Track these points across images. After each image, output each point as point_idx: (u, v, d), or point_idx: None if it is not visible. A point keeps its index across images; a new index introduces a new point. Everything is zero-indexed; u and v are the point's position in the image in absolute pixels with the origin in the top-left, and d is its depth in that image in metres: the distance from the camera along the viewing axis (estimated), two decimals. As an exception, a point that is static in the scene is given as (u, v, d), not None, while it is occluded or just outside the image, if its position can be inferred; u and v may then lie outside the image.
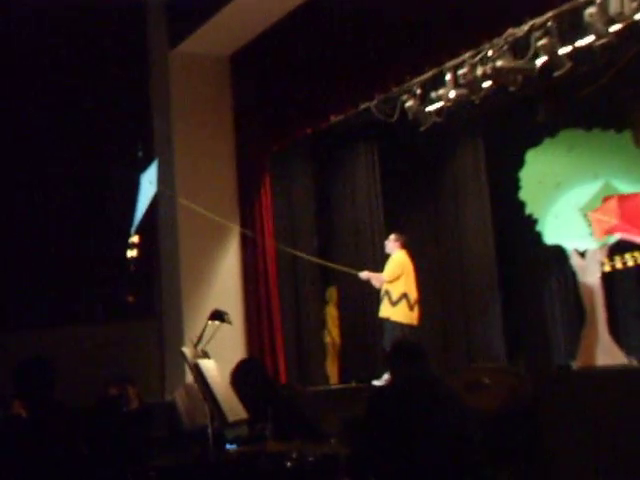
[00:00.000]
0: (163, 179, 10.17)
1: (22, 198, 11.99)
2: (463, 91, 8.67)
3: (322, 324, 11.69)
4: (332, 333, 11.91)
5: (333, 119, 10.37)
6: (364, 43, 9.60)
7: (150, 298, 11.70)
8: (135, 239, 9.77)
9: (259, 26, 10.94)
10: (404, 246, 9.89)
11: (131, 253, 9.87)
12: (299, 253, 10.71)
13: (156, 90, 11.64)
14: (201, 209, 9.69)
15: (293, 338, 11.28)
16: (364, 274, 10.03)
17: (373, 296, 10.52)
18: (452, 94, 8.78)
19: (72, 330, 11.70)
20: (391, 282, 9.69)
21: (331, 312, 11.90)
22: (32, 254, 12.06)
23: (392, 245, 9.93)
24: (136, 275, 11.99)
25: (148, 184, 8.66)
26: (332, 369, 11.76)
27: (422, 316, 9.85)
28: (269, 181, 11.44)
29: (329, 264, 10.57)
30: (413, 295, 9.70)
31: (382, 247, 10.72)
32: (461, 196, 11.18)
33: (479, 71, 8.31)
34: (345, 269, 10.22)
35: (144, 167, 9.14)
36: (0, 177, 11.89)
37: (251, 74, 11.51)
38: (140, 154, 11.00)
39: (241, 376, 5.17)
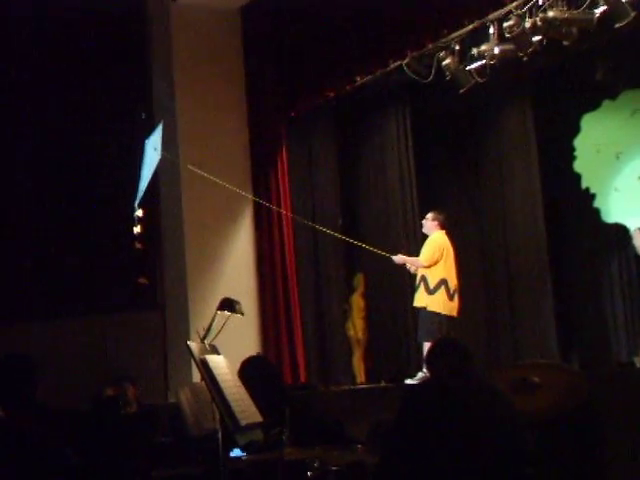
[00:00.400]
0: (165, 147, 10.18)
1: (16, 169, 12.11)
2: (509, 46, 8.62)
3: (346, 315, 11.70)
4: (357, 326, 11.92)
5: (359, 80, 10.34)
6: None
7: (151, 286, 11.74)
8: (139, 213, 9.77)
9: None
10: (443, 226, 9.85)
11: (136, 229, 9.86)
12: (323, 229, 10.69)
13: (156, 48, 11.63)
14: (209, 176, 9.68)
15: (314, 331, 11.31)
16: (399, 257, 10.00)
17: (406, 283, 10.50)
18: (496, 50, 8.75)
19: (63, 323, 11.77)
20: (428, 267, 9.66)
21: (357, 302, 11.90)
22: (15, 234, 12.15)
23: (430, 225, 9.89)
24: (136, 259, 12.03)
25: (152, 151, 8.66)
26: (358, 366, 11.78)
27: (463, 306, 9.82)
28: (286, 151, 11.45)
29: (358, 244, 10.53)
30: (453, 282, 9.66)
31: (416, 227, 10.70)
32: (506, 168, 11.11)
33: (528, 23, 8.27)
34: (377, 251, 10.18)
35: (148, 131, 9.15)
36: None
37: (265, 29, 11.50)
38: (143, 116, 10.97)
39: (245, 377, 5.16)
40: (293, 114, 11.36)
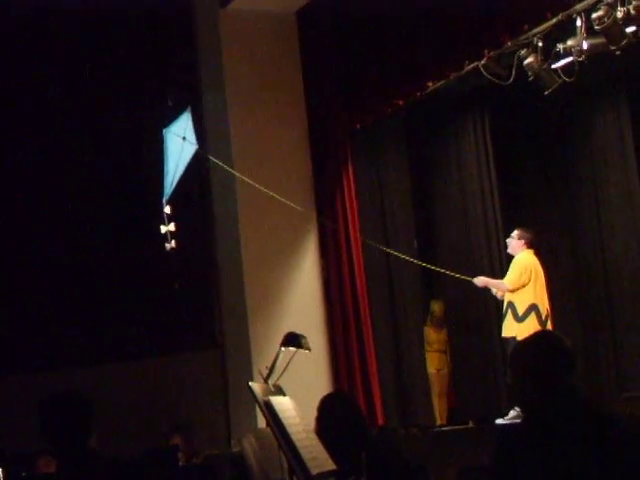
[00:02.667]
0: (219, 168, 10.27)
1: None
2: (599, 40, 8.52)
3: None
4: (435, 361, 11.86)
5: (431, 86, 10.31)
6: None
7: (208, 322, 11.79)
8: (167, 210, 9.73)
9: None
10: (531, 245, 9.76)
11: (166, 228, 9.79)
12: (397, 253, 10.65)
13: (206, 58, 11.72)
14: (271, 193, 9.73)
15: (390, 367, 11.25)
16: (480, 280, 9.94)
17: (492, 311, 10.39)
18: (585, 45, 8.65)
19: (112, 367, 11.86)
20: (516, 291, 9.57)
21: (429, 333, 11.87)
22: (68, 273, 12.31)
23: (515, 244, 9.81)
24: (191, 293, 12.08)
25: (180, 140, 8.69)
26: (439, 406, 11.70)
27: (556, 334, 9.68)
28: (352, 167, 11.45)
29: (436, 269, 10.47)
30: (544, 307, 9.56)
31: (500, 248, 10.61)
32: (601, 178, 11.01)
33: (620, 13, 8.16)
34: (456, 275, 10.12)
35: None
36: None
37: (324, 34, 11.55)
38: (169, 102, 10.91)
39: (325, 416, 5.11)
40: (358, 126, 11.36)
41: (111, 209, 12.26)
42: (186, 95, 11.27)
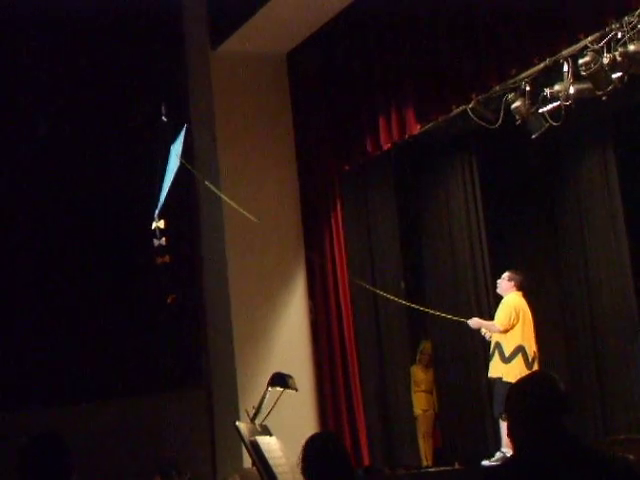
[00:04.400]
0: (208, 205, 10.29)
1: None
2: (586, 85, 8.58)
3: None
4: (422, 401, 11.82)
5: (419, 129, 10.33)
6: (454, 31, 9.57)
7: (195, 360, 11.74)
8: (161, 224, 9.74)
9: (323, 16, 10.99)
10: (521, 287, 9.80)
11: (158, 242, 9.77)
12: (385, 294, 10.65)
13: (197, 100, 11.76)
14: (258, 221, 9.77)
15: (377, 407, 11.20)
16: (474, 322, 9.98)
17: (478, 352, 10.39)
18: (572, 90, 8.71)
19: (97, 406, 11.78)
20: (505, 331, 9.59)
21: (416, 373, 11.83)
22: (50, 307, 12.24)
23: (505, 285, 9.85)
24: (177, 331, 12.03)
25: (175, 157, 8.80)
26: (425, 446, 11.64)
27: (543, 375, 9.66)
28: (341, 208, 11.45)
29: (426, 310, 10.49)
30: (532, 348, 9.57)
31: (487, 289, 10.63)
32: (588, 222, 11.01)
33: (606, 59, 8.22)
34: (449, 316, 10.15)
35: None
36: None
37: (314, 75, 11.57)
38: (164, 118, 10.92)
39: (311, 455, 5.07)
40: (347, 167, 11.37)
41: (99, 238, 12.23)
42: (198, 163, 11.33)
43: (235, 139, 11.51)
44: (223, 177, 11.28)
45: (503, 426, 9.14)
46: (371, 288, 10.91)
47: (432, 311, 10.41)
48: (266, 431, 5.25)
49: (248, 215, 9.93)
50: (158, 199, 9.29)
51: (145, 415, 11.75)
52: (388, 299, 10.76)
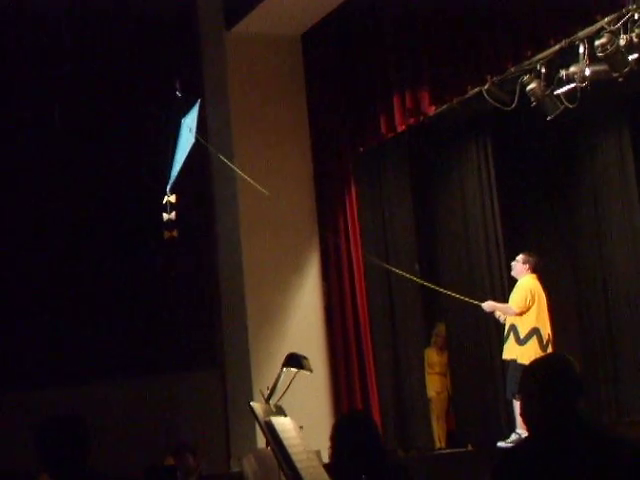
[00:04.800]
0: (222, 187, 10.26)
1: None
2: (602, 67, 8.54)
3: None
4: (436, 383, 11.82)
5: (434, 111, 10.31)
6: (470, 12, 9.53)
7: (210, 341, 11.76)
8: (172, 199, 9.74)
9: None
10: (535, 269, 9.75)
11: (167, 216, 9.78)
12: (402, 272, 10.64)
13: (211, 81, 11.77)
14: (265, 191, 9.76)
15: (391, 389, 11.22)
16: (488, 304, 9.95)
17: (493, 334, 10.38)
18: (587, 72, 8.66)
19: (112, 385, 11.81)
20: (521, 314, 9.57)
21: (430, 355, 11.84)
22: (67, 291, 12.26)
23: (520, 268, 9.81)
24: (192, 313, 12.04)
25: (187, 132, 8.78)
26: (439, 429, 11.65)
27: (557, 358, 9.66)
28: (355, 190, 11.45)
29: (442, 290, 10.48)
30: (546, 331, 9.54)
31: (502, 272, 10.60)
32: (603, 203, 10.98)
33: (622, 40, 8.18)
34: (463, 298, 10.13)
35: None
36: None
37: (329, 57, 11.56)
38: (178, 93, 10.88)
39: (343, 436, 4.82)
40: (362, 149, 11.36)
41: (112, 221, 12.24)
42: (212, 145, 11.32)
43: (250, 121, 11.51)
44: (237, 159, 11.28)
45: (517, 407, 9.13)
46: (385, 265, 10.91)
47: (449, 292, 10.39)
48: (281, 411, 5.25)
49: (261, 189, 9.90)
50: (169, 174, 9.27)
51: (159, 395, 11.77)
52: (402, 281, 10.75)
